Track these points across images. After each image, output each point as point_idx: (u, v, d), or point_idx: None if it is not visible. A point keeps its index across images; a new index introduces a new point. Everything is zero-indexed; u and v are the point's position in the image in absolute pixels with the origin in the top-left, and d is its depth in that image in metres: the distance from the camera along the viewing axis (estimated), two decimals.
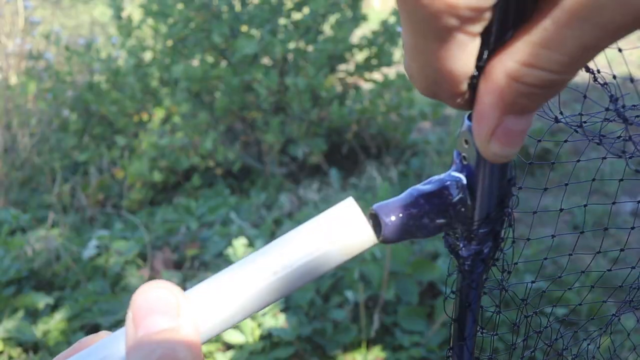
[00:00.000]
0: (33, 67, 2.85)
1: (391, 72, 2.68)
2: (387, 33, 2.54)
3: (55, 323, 1.54)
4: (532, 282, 0.42)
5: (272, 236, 1.93)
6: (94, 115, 2.69)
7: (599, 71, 0.32)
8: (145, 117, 2.59)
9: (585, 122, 0.34)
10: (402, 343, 1.45)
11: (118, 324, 1.57)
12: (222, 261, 1.77)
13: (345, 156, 2.54)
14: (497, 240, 0.32)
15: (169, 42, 2.54)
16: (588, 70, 0.32)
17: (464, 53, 0.23)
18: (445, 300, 0.34)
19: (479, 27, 0.22)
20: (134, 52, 2.57)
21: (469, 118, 0.27)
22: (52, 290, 1.73)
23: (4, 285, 1.71)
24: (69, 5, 4.25)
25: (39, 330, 1.52)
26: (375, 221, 0.30)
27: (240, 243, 1.67)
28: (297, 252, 0.28)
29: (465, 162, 0.29)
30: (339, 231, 0.28)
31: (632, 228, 0.46)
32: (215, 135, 2.39)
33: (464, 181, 0.29)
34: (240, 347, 1.45)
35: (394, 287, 1.55)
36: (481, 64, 0.24)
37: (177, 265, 1.86)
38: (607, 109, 0.34)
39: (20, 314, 1.56)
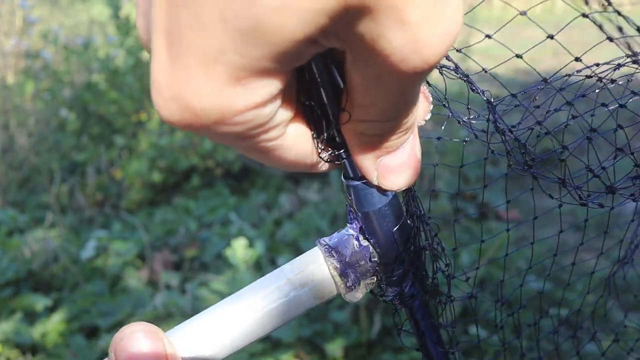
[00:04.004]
0: (31, 66, 2.83)
1: None
2: None
3: (53, 325, 1.52)
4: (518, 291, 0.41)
5: (272, 237, 1.92)
6: (92, 115, 2.67)
7: (457, 66, 0.34)
8: (144, 116, 2.58)
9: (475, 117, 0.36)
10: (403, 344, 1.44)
11: (117, 325, 1.55)
12: (221, 262, 1.76)
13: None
14: (419, 274, 0.32)
15: None
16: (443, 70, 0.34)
17: (288, 149, 0.25)
18: (399, 336, 0.34)
19: (278, 131, 0.24)
20: (133, 51, 2.55)
21: (344, 177, 0.29)
22: (51, 291, 1.72)
23: (1, 286, 1.70)
24: (67, 4, 4.23)
25: (37, 331, 1.51)
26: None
27: (239, 244, 1.65)
28: (268, 297, 0.30)
29: (355, 216, 0.30)
30: (306, 279, 0.30)
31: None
32: None
33: (357, 234, 0.30)
34: (240, 349, 1.44)
35: None
36: (330, 131, 0.26)
37: (177, 266, 1.85)
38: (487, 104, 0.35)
39: (18, 315, 1.55)
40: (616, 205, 0.34)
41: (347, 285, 0.30)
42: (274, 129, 0.23)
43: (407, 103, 0.24)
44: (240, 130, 0.22)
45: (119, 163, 2.48)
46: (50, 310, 1.62)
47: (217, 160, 2.41)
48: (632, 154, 0.33)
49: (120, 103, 2.53)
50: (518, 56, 0.38)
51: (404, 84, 0.22)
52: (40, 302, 1.59)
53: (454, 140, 0.40)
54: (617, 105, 0.33)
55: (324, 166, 0.28)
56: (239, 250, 1.64)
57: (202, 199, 2.24)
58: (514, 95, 0.35)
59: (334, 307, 1.53)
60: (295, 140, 0.25)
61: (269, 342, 1.45)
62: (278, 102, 0.22)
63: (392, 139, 0.26)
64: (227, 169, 2.44)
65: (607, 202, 0.34)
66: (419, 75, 0.21)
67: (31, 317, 1.59)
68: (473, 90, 0.34)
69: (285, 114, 0.24)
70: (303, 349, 1.44)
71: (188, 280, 1.74)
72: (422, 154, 0.29)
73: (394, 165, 0.27)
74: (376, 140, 0.26)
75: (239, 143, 0.23)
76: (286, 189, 2.32)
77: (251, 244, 1.76)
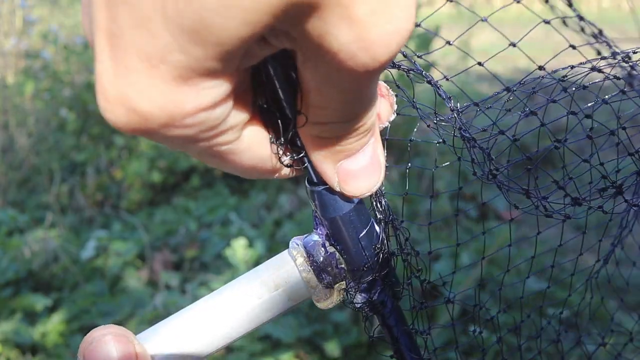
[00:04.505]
0: (31, 66, 2.83)
1: (391, 70, 2.66)
2: None
3: (53, 325, 1.52)
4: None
5: (272, 237, 1.91)
6: (92, 115, 2.67)
7: (422, 71, 0.35)
8: None
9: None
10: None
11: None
12: (221, 262, 1.76)
13: None
14: (389, 281, 0.31)
15: None
16: (396, 67, 0.35)
17: (244, 153, 0.24)
18: (372, 343, 0.34)
19: (232, 134, 0.23)
20: None
21: (308, 182, 0.29)
22: (51, 291, 1.72)
23: (1, 286, 1.70)
24: (67, 4, 4.23)
25: (37, 332, 1.51)
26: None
27: (239, 244, 1.65)
28: (243, 299, 0.29)
29: (321, 222, 0.30)
30: (279, 281, 0.30)
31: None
32: None
33: (323, 240, 0.30)
34: (239, 349, 1.44)
35: None
36: (288, 134, 0.25)
37: (177, 266, 1.85)
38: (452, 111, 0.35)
39: (18, 315, 1.55)
40: (578, 215, 0.34)
41: (321, 289, 0.30)
42: (228, 132, 0.23)
43: (362, 103, 0.23)
44: (190, 134, 0.21)
45: (119, 163, 2.48)
46: (50, 310, 1.62)
47: None
48: (602, 164, 0.32)
49: None
50: (480, 64, 0.38)
51: (355, 82, 0.21)
52: (40, 302, 1.59)
53: (427, 142, 0.40)
54: (585, 113, 0.33)
55: (284, 171, 0.27)
56: (239, 250, 1.64)
57: (202, 199, 2.24)
58: (476, 104, 0.35)
59: (334, 308, 1.53)
60: (252, 144, 0.25)
61: (269, 342, 1.45)
62: (229, 103, 0.21)
63: (350, 142, 0.25)
64: None
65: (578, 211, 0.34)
66: (370, 74, 0.21)
67: (31, 317, 1.59)
68: (440, 96, 0.34)
69: (239, 116, 0.23)
70: (303, 349, 1.44)
71: (188, 280, 1.74)
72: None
73: (355, 170, 0.26)
74: (334, 142, 0.25)
75: (191, 147, 0.22)
76: (286, 189, 2.32)
77: (251, 244, 1.76)
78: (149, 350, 0.28)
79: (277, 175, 0.27)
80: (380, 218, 0.31)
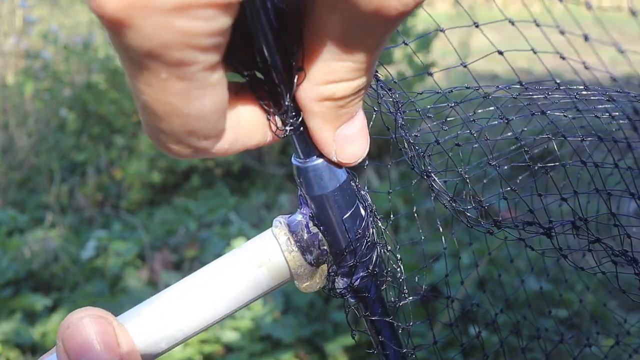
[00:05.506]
0: (31, 66, 2.83)
1: (391, 71, 2.66)
2: None
3: (53, 325, 1.52)
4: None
5: None
6: (92, 115, 2.67)
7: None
8: None
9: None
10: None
11: None
12: None
13: None
14: (373, 270, 0.31)
15: None
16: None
17: (211, 91, 0.21)
18: (354, 338, 0.34)
19: (214, 56, 0.20)
20: None
21: (296, 159, 0.28)
22: (50, 291, 1.72)
23: (1, 286, 1.70)
24: (67, 4, 4.23)
25: (37, 332, 1.51)
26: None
27: (239, 244, 1.65)
28: (226, 278, 0.29)
29: (305, 201, 0.29)
30: (263, 259, 0.29)
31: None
32: None
33: (307, 221, 0.29)
34: (239, 349, 1.44)
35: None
36: (289, 99, 0.24)
37: (177, 266, 1.85)
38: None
39: (18, 315, 1.55)
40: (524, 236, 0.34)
41: (303, 269, 0.30)
42: (215, 50, 0.20)
43: (377, 56, 0.23)
44: (194, 29, 0.18)
45: (119, 163, 2.48)
46: (50, 310, 1.62)
47: (217, 161, 2.41)
48: (541, 196, 0.33)
49: (120, 103, 2.53)
50: (464, 65, 0.38)
51: (383, 29, 0.21)
52: (40, 302, 1.59)
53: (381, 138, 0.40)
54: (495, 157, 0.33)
55: (226, 140, 0.24)
56: None
57: (202, 199, 2.24)
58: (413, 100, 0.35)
59: (334, 307, 1.53)
60: (217, 85, 0.22)
61: (269, 342, 1.45)
62: (233, 15, 0.19)
63: (352, 103, 0.25)
64: (227, 169, 2.44)
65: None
66: (400, 19, 0.21)
67: (31, 317, 1.59)
68: (382, 88, 0.34)
69: (220, 41, 0.20)
70: (303, 349, 1.44)
71: None
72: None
73: (352, 134, 0.26)
74: (338, 105, 0.24)
75: (168, 66, 0.19)
76: (286, 189, 2.32)
77: None
78: (130, 331, 0.27)
79: (215, 146, 0.24)
80: (365, 205, 0.31)
